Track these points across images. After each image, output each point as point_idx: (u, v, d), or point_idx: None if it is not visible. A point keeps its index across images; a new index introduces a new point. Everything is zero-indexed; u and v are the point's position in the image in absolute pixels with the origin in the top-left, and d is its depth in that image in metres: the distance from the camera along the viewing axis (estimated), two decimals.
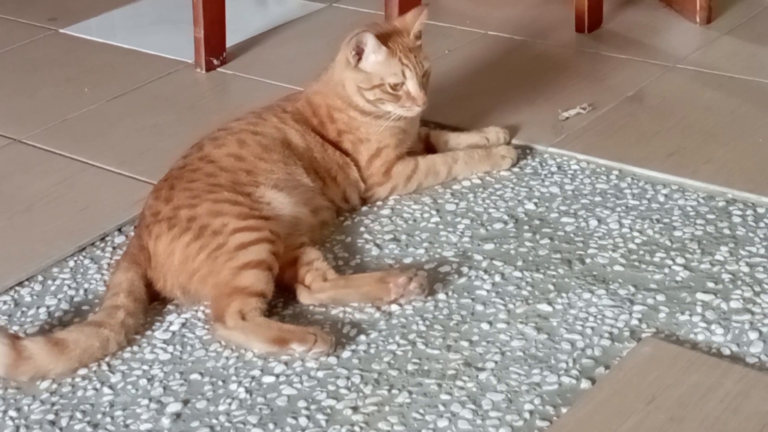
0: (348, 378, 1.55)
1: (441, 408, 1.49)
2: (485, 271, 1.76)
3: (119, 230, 1.95)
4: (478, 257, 1.80)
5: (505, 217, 1.90)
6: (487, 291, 1.72)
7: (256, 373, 1.58)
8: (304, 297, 1.72)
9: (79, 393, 1.57)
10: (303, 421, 1.49)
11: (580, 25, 2.61)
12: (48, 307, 1.76)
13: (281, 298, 1.73)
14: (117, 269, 1.74)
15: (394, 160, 1.97)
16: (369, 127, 1.94)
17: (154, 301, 1.74)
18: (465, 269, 1.77)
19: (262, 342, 1.61)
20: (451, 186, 2.01)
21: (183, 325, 1.70)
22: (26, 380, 1.58)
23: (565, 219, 1.89)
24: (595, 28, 2.62)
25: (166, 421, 1.51)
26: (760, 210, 1.87)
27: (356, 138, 1.95)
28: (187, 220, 1.71)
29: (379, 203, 1.97)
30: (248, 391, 1.55)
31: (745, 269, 1.73)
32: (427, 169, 2.00)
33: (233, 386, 1.56)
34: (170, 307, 1.73)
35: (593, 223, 1.87)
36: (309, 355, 1.59)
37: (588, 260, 1.77)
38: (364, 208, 1.96)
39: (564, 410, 1.47)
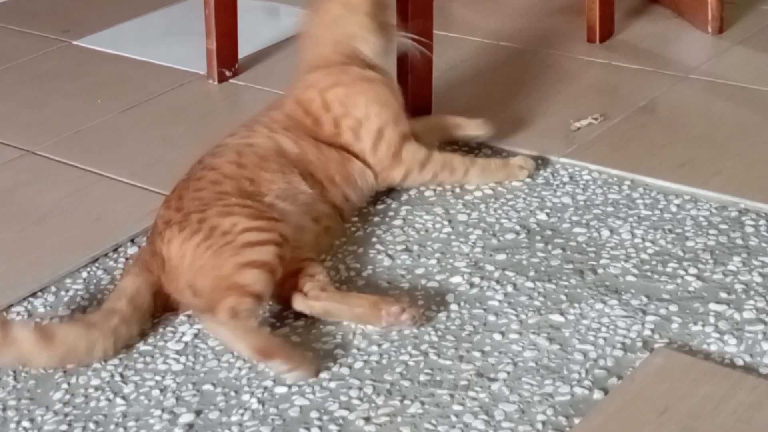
0: (360, 388, 1.56)
1: (453, 419, 1.48)
2: (497, 282, 1.76)
3: (132, 241, 1.96)
4: (490, 267, 1.80)
5: (517, 228, 1.90)
6: (499, 301, 1.72)
7: (269, 383, 1.58)
8: (297, 302, 1.70)
9: (92, 403, 1.57)
10: (315, 431, 1.49)
11: (591, 35, 2.61)
12: (61, 317, 1.77)
13: (292, 309, 1.72)
14: (127, 274, 1.74)
15: (400, 142, 1.95)
16: (371, 85, 1.94)
17: (165, 312, 1.74)
18: (477, 280, 1.77)
19: (248, 348, 1.60)
20: (462, 197, 2.01)
21: (195, 335, 1.70)
22: (5, 364, 1.59)
23: (577, 229, 1.89)
24: (606, 38, 2.62)
25: None
26: None
27: (355, 121, 1.94)
28: (198, 222, 1.71)
29: (390, 214, 1.98)
30: (261, 401, 1.55)
31: (758, 279, 1.72)
32: (443, 162, 2.00)
33: (246, 397, 1.56)
34: (183, 317, 1.74)
35: (605, 233, 1.87)
36: (288, 375, 1.57)
37: (600, 270, 1.77)
38: (376, 219, 1.96)
39: (576, 421, 1.46)
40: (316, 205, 1.86)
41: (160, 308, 1.74)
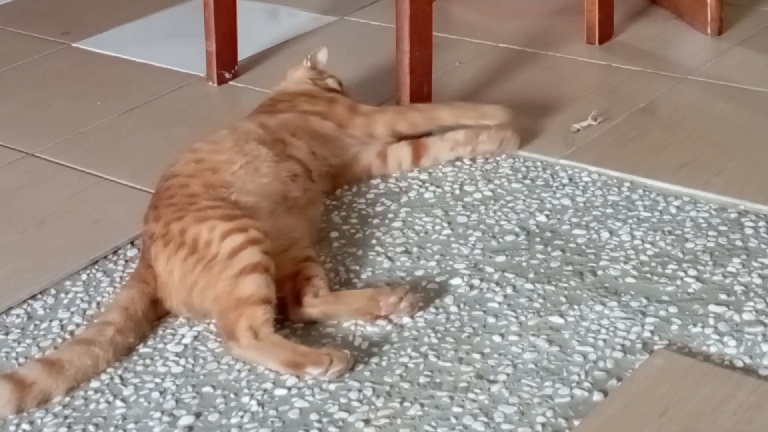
0: (360, 391, 1.56)
1: (453, 420, 1.48)
2: (497, 284, 1.76)
3: (132, 243, 1.96)
4: (489, 269, 1.80)
5: (517, 230, 1.90)
6: (499, 303, 1.72)
7: (268, 385, 1.58)
8: (294, 314, 1.71)
9: (92, 406, 1.58)
10: None
11: (591, 36, 2.61)
12: (61, 320, 1.77)
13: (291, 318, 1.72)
14: (122, 288, 1.76)
15: (353, 103, 2.08)
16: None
17: (168, 317, 1.74)
18: (476, 281, 1.77)
19: (277, 364, 1.60)
20: (462, 198, 2.01)
21: (195, 338, 1.70)
22: (36, 406, 1.57)
23: (576, 231, 1.89)
24: (606, 39, 2.62)
25: None
26: None
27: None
28: (179, 233, 1.71)
29: (390, 216, 1.98)
30: (260, 403, 1.55)
31: (758, 281, 1.72)
32: (404, 108, 2.13)
33: (245, 399, 1.56)
34: (182, 320, 1.74)
35: (605, 235, 1.87)
36: (326, 377, 1.57)
37: (600, 272, 1.77)
38: (375, 221, 1.96)
39: (576, 423, 1.46)
40: (281, 166, 1.87)
41: (163, 315, 1.74)
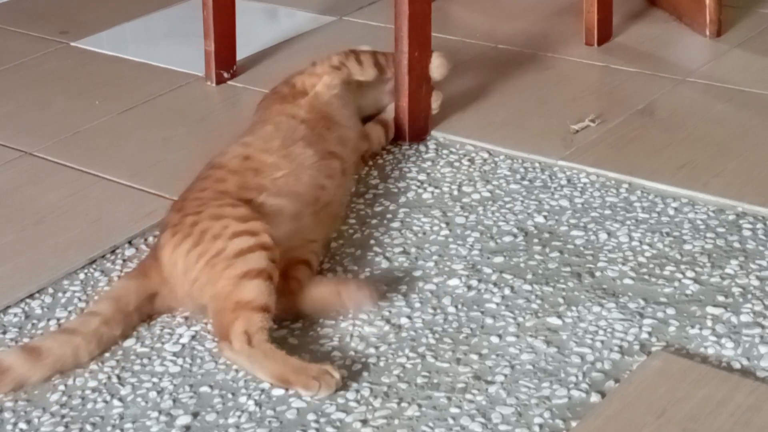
0: (357, 391, 1.56)
1: (450, 421, 1.48)
2: (495, 285, 1.76)
3: (130, 243, 1.96)
4: (487, 270, 1.80)
5: (515, 231, 1.91)
6: (497, 304, 1.72)
7: (266, 385, 1.58)
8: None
9: (89, 405, 1.57)
10: None
11: (589, 38, 2.61)
12: (58, 319, 1.77)
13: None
14: (122, 277, 1.75)
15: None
16: None
17: (167, 312, 1.75)
18: (474, 282, 1.77)
19: (266, 376, 1.58)
20: (460, 199, 2.01)
21: (193, 337, 1.70)
22: (7, 391, 1.59)
23: (574, 232, 1.89)
24: (605, 41, 2.62)
25: None
26: None
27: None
28: (191, 225, 1.70)
29: (388, 216, 1.98)
30: (258, 403, 1.55)
31: (756, 283, 1.72)
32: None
33: (243, 399, 1.56)
34: (180, 319, 1.74)
35: (603, 236, 1.87)
36: (314, 398, 1.55)
37: (598, 273, 1.77)
38: (374, 221, 1.96)
39: (574, 424, 1.46)
40: (321, 170, 1.88)
41: (160, 311, 1.74)
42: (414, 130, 2.23)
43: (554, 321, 1.67)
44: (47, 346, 1.61)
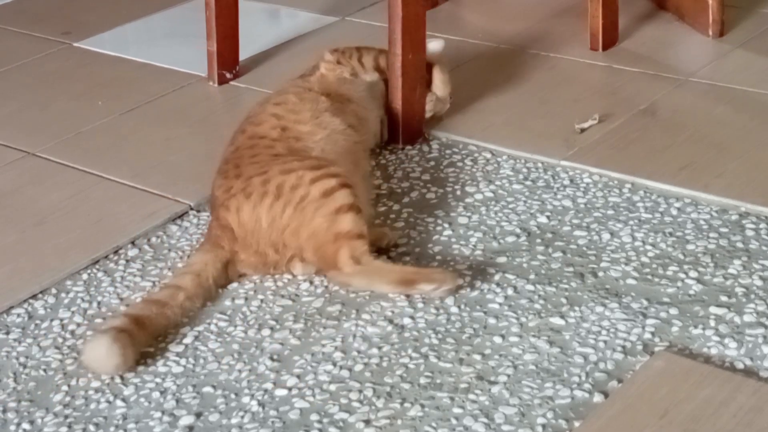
0: (360, 391, 1.56)
1: (453, 421, 1.48)
2: (498, 285, 1.76)
3: (132, 243, 1.96)
4: (490, 270, 1.80)
5: (518, 231, 1.90)
6: (500, 304, 1.72)
7: (269, 386, 1.58)
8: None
9: (92, 406, 1.57)
10: None
11: (594, 43, 2.57)
12: (61, 319, 1.77)
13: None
14: (197, 250, 1.82)
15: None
16: None
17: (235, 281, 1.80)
18: (477, 282, 1.77)
19: (388, 284, 1.70)
20: (463, 199, 2.01)
21: (196, 338, 1.70)
22: (117, 373, 1.62)
23: (577, 232, 1.89)
24: (610, 46, 2.58)
25: None
26: None
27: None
28: (261, 185, 1.77)
29: (392, 216, 1.98)
30: (261, 404, 1.55)
31: (759, 283, 1.72)
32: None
33: (246, 399, 1.56)
34: (183, 320, 1.74)
35: (606, 236, 1.87)
36: (437, 294, 1.67)
37: (601, 274, 1.77)
38: (377, 221, 1.96)
39: (576, 424, 1.46)
40: (352, 137, 1.96)
41: (233, 278, 1.80)
42: (407, 132, 2.23)
43: (557, 321, 1.67)
44: (147, 318, 1.66)
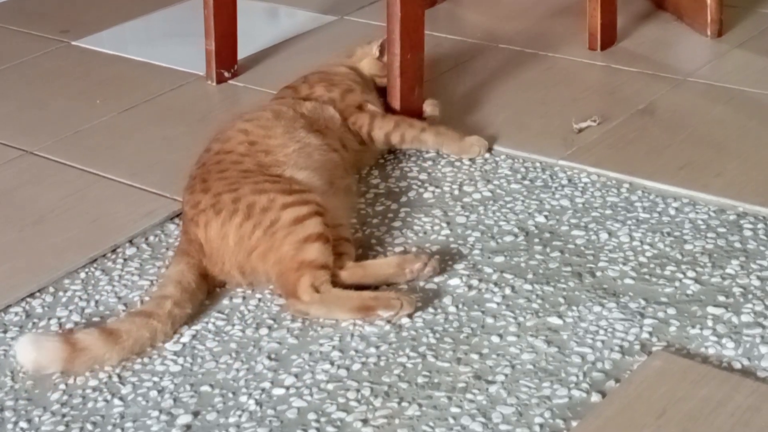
0: (358, 390, 1.56)
1: (451, 421, 1.49)
2: (495, 284, 1.76)
3: (130, 242, 1.96)
4: (488, 270, 1.80)
5: (516, 230, 1.91)
6: (498, 304, 1.72)
7: (266, 385, 1.58)
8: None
9: (90, 404, 1.57)
10: None
11: (593, 43, 2.57)
12: (59, 318, 1.77)
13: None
14: (169, 264, 1.80)
15: (364, 103, 2.13)
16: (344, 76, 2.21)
17: (216, 288, 1.79)
18: (475, 282, 1.77)
19: (346, 312, 1.69)
20: (461, 199, 2.01)
21: (193, 337, 1.70)
22: (83, 371, 1.62)
23: (575, 232, 1.89)
24: (608, 46, 2.58)
25: None
26: None
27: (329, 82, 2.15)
28: (232, 202, 1.76)
29: (390, 216, 1.98)
30: (258, 403, 1.55)
31: (756, 283, 1.72)
32: (403, 118, 2.15)
33: (243, 398, 1.56)
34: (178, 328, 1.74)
35: (604, 236, 1.87)
36: (395, 320, 1.66)
37: (598, 273, 1.77)
38: (375, 220, 1.97)
39: (574, 424, 1.47)
40: (327, 155, 1.94)
41: (215, 286, 1.79)
42: None
43: (555, 321, 1.67)
44: (126, 329, 1.65)
